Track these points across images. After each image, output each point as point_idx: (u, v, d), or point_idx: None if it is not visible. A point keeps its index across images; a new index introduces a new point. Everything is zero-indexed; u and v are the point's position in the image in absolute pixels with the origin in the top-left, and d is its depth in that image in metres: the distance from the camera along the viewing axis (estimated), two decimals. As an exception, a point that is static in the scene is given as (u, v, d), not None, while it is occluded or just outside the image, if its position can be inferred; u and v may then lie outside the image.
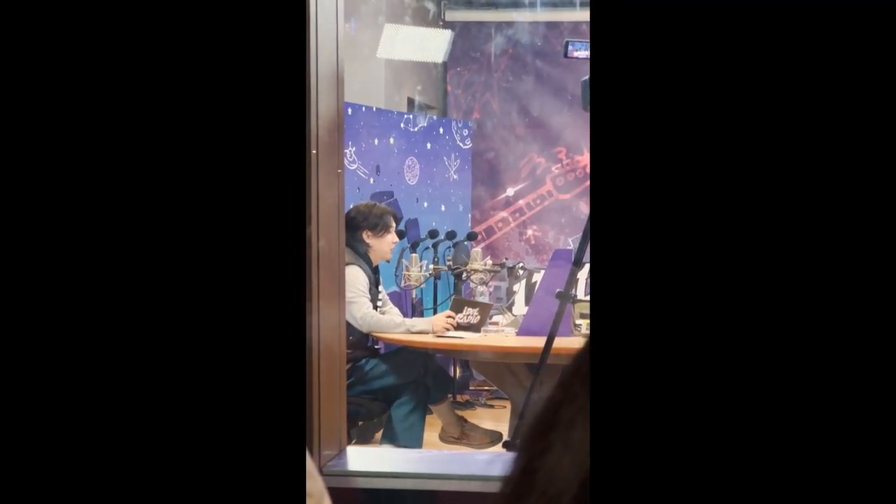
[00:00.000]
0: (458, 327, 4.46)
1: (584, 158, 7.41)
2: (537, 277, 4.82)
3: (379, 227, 4.46)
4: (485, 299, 5.07)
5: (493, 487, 0.43)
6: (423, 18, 7.08)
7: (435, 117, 7.08)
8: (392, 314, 4.57)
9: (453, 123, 7.00)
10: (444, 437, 4.64)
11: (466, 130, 7.05)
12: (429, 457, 3.45)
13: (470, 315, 4.50)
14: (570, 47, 3.12)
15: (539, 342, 3.12)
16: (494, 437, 4.54)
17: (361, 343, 4.46)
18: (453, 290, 5.36)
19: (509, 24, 7.34)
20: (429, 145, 6.67)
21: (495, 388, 5.44)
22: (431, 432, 4.69)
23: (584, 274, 4.08)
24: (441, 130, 6.83)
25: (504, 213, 7.58)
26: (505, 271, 5.53)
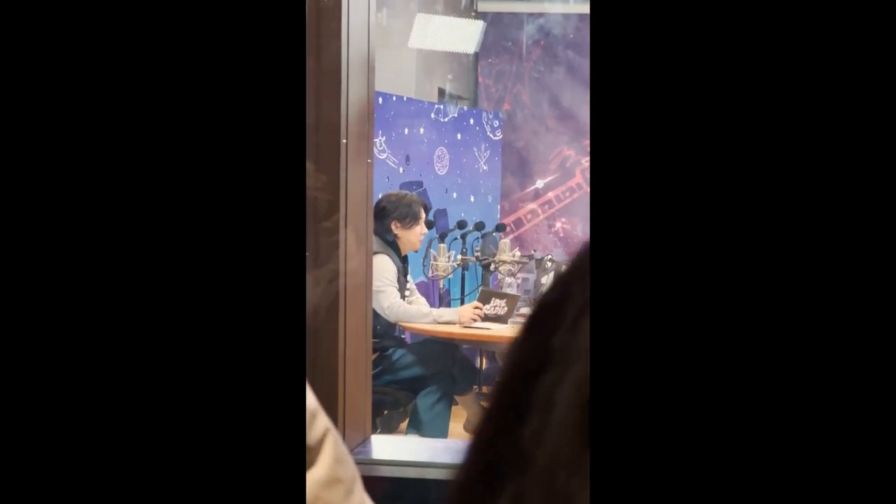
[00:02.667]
0: (486, 318, 4.46)
1: (615, 151, 7.35)
2: (565, 270, 4.80)
3: (408, 219, 4.45)
4: (512, 291, 5.06)
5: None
6: (455, 8, 7.06)
7: (465, 108, 7.06)
8: (419, 304, 4.57)
9: (484, 114, 6.98)
10: (469, 428, 4.64)
11: (497, 121, 7.03)
12: (454, 446, 3.45)
13: (497, 306, 4.50)
14: (602, 38, 3.10)
15: (566, 334, 3.11)
16: (520, 429, 4.52)
17: (388, 332, 4.46)
18: (481, 281, 5.36)
19: (541, 14, 7.31)
20: (459, 136, 6.66)
21: (521, 379, 5.42)
22: (457, 423, 4.69)
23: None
24: (471, 121, 6.81)
25: (533, 205, 7.56)
26: (533, 263, 5.52)
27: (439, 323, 4.42)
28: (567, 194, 7.53)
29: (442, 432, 4.40)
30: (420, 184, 6.25)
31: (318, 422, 0.77)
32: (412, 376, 4.42)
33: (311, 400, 0.78)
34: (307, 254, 2.25)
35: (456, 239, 5.65)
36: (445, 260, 4.99)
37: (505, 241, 5.18)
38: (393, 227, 4.45)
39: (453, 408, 4.58)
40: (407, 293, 4.55)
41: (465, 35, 6.76)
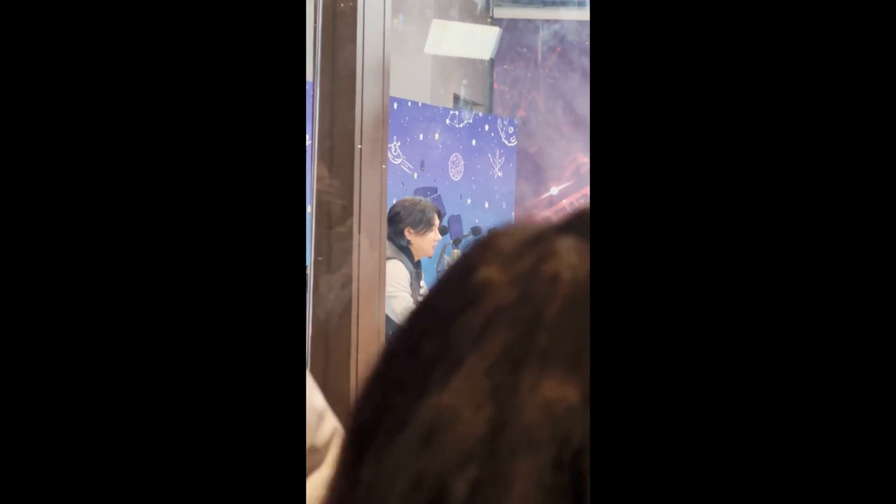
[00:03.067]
0: (499, 324, 4.45)
1: (630, 158, 7.36)
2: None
3: (421, 226, 4.46)
4: (526, 297, 5.04)
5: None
6: (470, 14, 7.07)
7: (480, 114, 7.07)
8: (432, 309, 4.57)
9: (499, 120, 6.99)
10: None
11: (512, 127, 7.03)
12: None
13: (510, 312, 4.48)
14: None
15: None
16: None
17: (401, 338, 4.46)
18: (494, 287, 5.34)
19: (557, 21, 7.31)
20: (474, 142, 6.66)
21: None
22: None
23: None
24: (486, 127, 6.82)
25: (548, 212, 7.56)
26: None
27: (452, 329, 4.41)
28: (581, 201, 7.53)
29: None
30: (434, 189, 6.26)
31: (326, 423, 0.77)
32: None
33: (320, 401, 0.78)
34: (320, 258, 2.26)
35: (470, 245, 5.65)
36: (459, 266, 4.98)
37: (519, 248, 5.16)
38: (406, 233, 4.45)
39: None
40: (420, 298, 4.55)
41: (480, 41, 6.76)
